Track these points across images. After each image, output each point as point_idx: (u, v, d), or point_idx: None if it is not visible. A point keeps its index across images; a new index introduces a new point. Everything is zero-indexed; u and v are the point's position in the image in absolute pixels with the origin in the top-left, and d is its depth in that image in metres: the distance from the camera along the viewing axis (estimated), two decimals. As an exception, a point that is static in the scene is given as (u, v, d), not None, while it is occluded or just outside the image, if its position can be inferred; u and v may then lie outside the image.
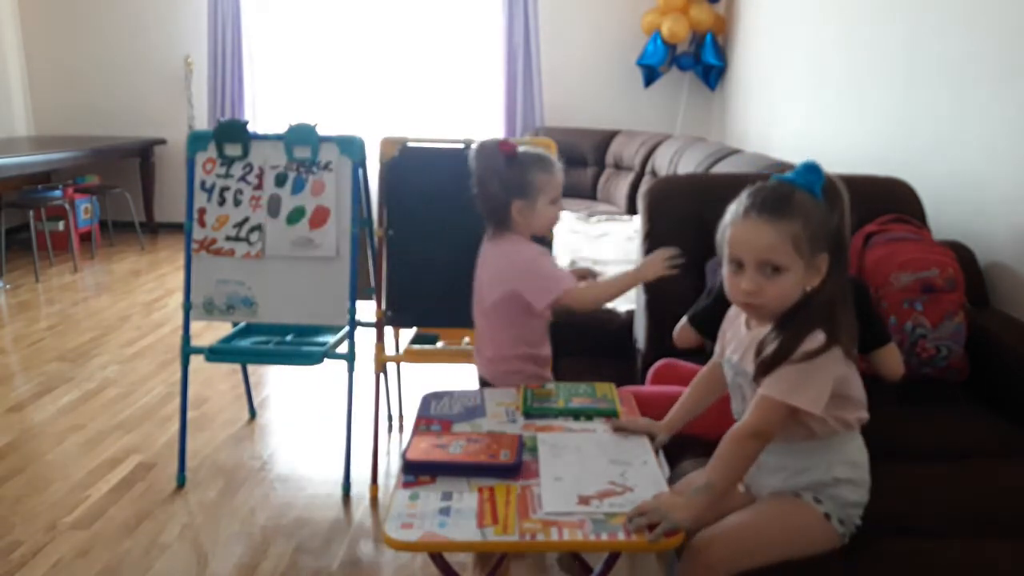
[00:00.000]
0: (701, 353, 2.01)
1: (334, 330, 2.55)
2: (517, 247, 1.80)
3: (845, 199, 1.28)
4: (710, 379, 1.52)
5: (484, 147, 1.80)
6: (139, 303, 4.36)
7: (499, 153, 1.77)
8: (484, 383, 1.91)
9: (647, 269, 1.74)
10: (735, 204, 1.31)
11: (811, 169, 1.28)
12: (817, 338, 1.23)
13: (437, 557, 1.40)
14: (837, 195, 1.28)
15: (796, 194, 1.25)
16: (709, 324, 1.82)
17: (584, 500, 1.25)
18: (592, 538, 1.17)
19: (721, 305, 1.74)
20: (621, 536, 1.17)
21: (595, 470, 1.35)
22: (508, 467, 1.33)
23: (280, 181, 2.38)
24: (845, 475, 1.32)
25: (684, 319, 1.86)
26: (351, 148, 2.37)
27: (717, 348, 1.49)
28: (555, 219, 1.85)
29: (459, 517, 1.21)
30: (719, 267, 2.00)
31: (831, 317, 1.25)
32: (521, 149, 1.81)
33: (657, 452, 1.48)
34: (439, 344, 2.46)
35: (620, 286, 1.77)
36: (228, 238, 2.39)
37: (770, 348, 1.26)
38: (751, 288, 1.26)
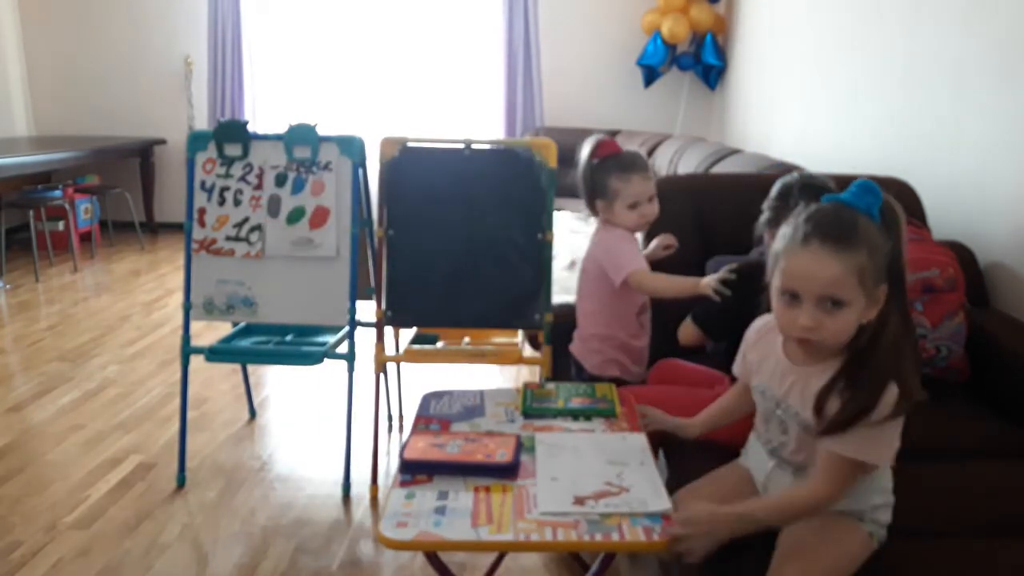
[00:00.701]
0: (702, 352, 2.02)
1: (334, 330, 2.55)
2: (607, 230, 1.99)
3: (902, 221, 1.19)
4: (744, 396, 1.47)
5: (588, 144, 1.94)
6: (139, 303, 4.36)
7: (592, 153, 1.92)
8: (577, 366, 2.05)
9: (703, 286, 1.78)
10: (789, 228, 1.20)
11: (868, 190, 1.17)
12: (891, 394, 1.15)
13: (433, 556, 1.40)
14: (895, 218, 1.18)
15: (860, 220, 1.14)
16: (713, 324, 1.82)
17: (580, 500, 1.25)
18: (587, 538, 1.17)
19: (726, 305, 1.74)
20: (615, 537, 1.17)
21: (592, 470, 1.35)
22: (505, 467, 1.33)
23: (280, 181, 2.38)
24: (880, 501, 1.32)
25: (688, 319, 1.87)
26: (351, 148, 2.37)
27: (738, 368, 1.45)
28: (638, 222, 1.94)
29: (454, 516, 1.21)
30: (719, 267, 2.00)
31: (900, 362, 1.16)
32: (624, 151, 1.94)
33: (656, 452, 1.49)
34: (439, 344, 2.46)
35: (676, 288, 1.86)
36: (228, 238, 2.39)
37: (837, 403, 1.18)
38: (810, 324, 1.16)
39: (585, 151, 1.95)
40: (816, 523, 1.29)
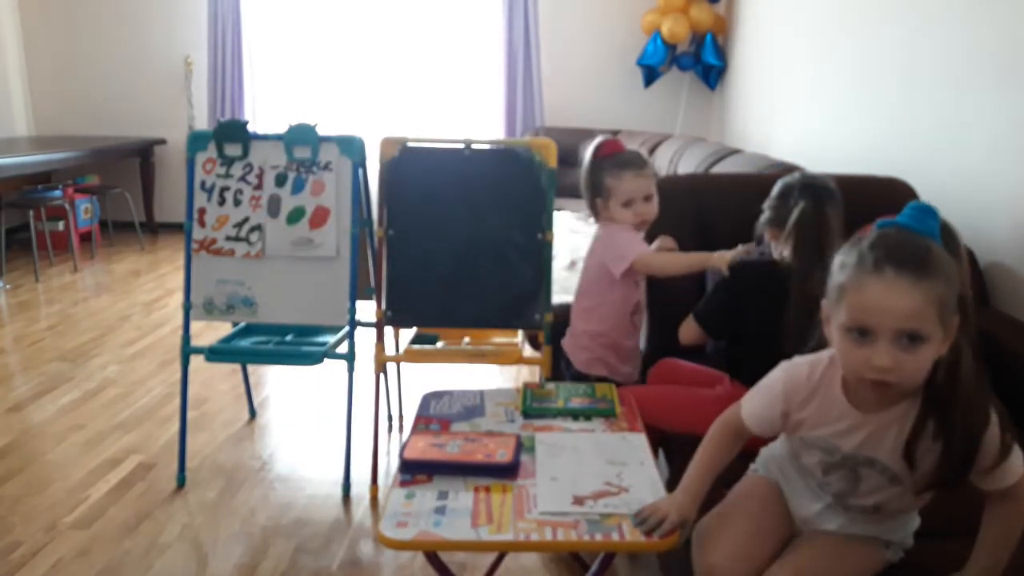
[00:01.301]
0: (702, 352, 2.02)
1: (334, 330, 2.55)
2: (606, 227, 2.00)
3: (961, 244, 1.10)
4: (728, 441, 1.31)
5: (593, 144, 1.96)
6: (139, 303, 4.36)
7: (593, 152, 1.94)
8: (567, 361, 2.06)
9: (716, 259, 1.76)
10: (851, 256, 1.07)
11: (927, 212, 1.07)
12: (993, 433, 1.09)
13: (433, 556, 1.40)
14: (954, 240, 1.09)
15: (933, 246, 1.05)
16: (715, 323, 1.80)
17: (579, 500, 1.25)
18: (586, 538, 1.17)
19: (728, 304, 1.73)
20: (615, 537, 1.17)
21: (591, 470, 1.35)
22: (505, 467, 1.33)
23: (280, 181, 2.38)
24: (913, 527, 1.31)
25: (690, 317, 1.85)
26: (351, 148, 2.37)
27: (763, 425, 1.27)
28: (634, 221, 1.93)
29: (454, 516, 1.22)
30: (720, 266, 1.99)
31: (982, 396, 1.09)
32: (627, 150, 1.94)
33: (656, 452, 1.48)
34: (439, 344, 2.46)
35: (687, 262, 1.85)
36: (228, 238, 2.39)
37: (937, 454, 1.09)
38: (888, 364, 1.02)
39: (588, 151, 1.97)
40: (835, 547, 1.26)
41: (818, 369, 1.20)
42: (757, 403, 1.27)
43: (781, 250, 1.71)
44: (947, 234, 1.08)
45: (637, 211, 1.92)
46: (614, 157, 1.93)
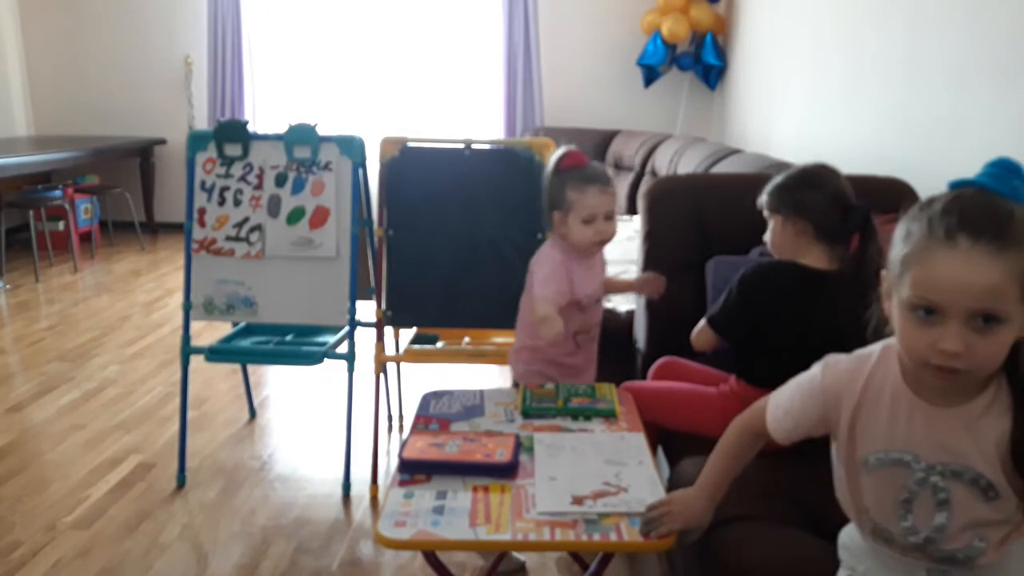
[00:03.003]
0: (704, 352, 2.00)
1: (334, 330, 2.55)
2: (550, 246, 1.88)
3: None
4: (748, 444, 1.20)
5: (557, 153, 1.86)
6: (139, 303, 4.36)
7: (557, 163, 1.83)
8: (515, 381, 1.98)
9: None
10: (918, 224, 0.91)
11: (1011, 170, 0.91)
12: None
13: (431, 556, 1.40)
14: None
15: (1017, 211, 0.88)
16: (731, 328, 1.74)
17: (578, 500, 1.25)
18: (584, 538, 1.18)
19: (745, 309, 1.70)
20: (613, 537, 1.17)
21: (590, 470, 1.35)
22: (503, 466, 1.33)
23: (280, 181, 2.38)
24: None
25: (703, 322, 1.76)
26: (351, 148, 2.37)
27: (796, 417, 1.10)
28: (592, 239, 1.81)
29: (452, 516, 1.22)
30: (721, 266, 1.98)
31: None
32: (590, 165, 1.84)
33: (655, 452, 1.48)
34: (439, 344, 2.46)
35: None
36: (228, 238, 2.39)
37: None
38: (958, 348, 0.87)
39: (552, 160, 1.86)
40: None
41: (868, 364, 1.03)
42: (788, 406, 1.11)
43: (781, 239, 1.69)
44: None
45: (598, 229, 1.80)
46: (578, 170, 1.82)
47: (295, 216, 2.38)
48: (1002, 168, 0.91)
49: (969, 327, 0.87)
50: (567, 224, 1.81)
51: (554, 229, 1.86)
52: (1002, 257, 0.85)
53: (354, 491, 2.41)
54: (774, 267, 1.71)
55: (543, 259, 1.85)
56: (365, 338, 2.47)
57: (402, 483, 1.31)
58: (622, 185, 4.99)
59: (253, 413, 2.94)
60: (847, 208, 1.64)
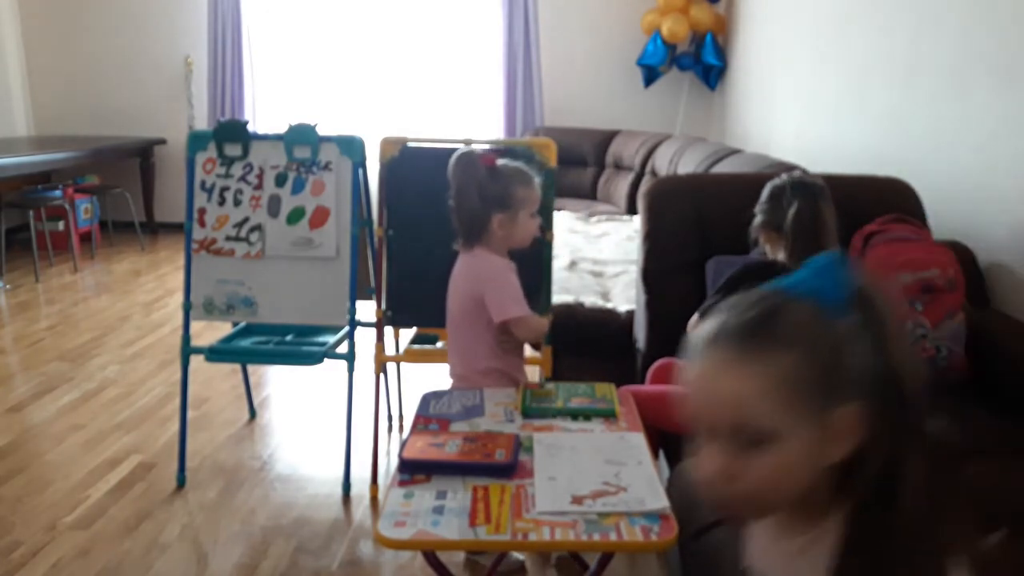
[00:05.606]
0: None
1: (334, 330, 2.55)
2: (490, 258, 1.79)
3: (890, 316, 0.77)
4: None
5: (463, 159, 1.77)
6: (139, 303, 4.36)
7: (480, 165, 1.76)
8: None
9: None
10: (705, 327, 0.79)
11: (825, 269, 0.76)
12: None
13: (431, 556, 1.40)
14: (878, 308, 0.76)
15: (791, 307, 0.75)
16: None
17: (578, 500, 1.25)
18: (584, 538, 1.17)
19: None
20: (613, 536, 1.17)
21: (590, 470, 1.35)
22: (503, 466, 1.33)
23: (280, 181, 2.38)
24: None
25: (696, 316, 1.80)
26: (351, 148, 2.37)
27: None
28: (535, 231, 1.83)
29: (452, 516, 1.22)
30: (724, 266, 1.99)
31: (941, 524, 0.75)
32: (500, 162, 1.79)
33: (656, 452, 1.48)
34: (439, 344, 2.46)
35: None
36: (228, 238, 2.39)
37: None
38: (715, 469, 0.76)
39: (464, 167, 1.76)
40: None
41: None
42: None
43: (776, 252, 1.72)
44: (865, 299, 0.76)
45: (538, 220, 1.82)
46: (510, 168, 1.77)
47: (295, 216, 2.38)
48: (819, 267, 0.77)
49: (733, 446, 0.74)
50: (515, 222, 1.77)
51: (490, 233, 1.77)
52: (755, 359, 0.73)
53: (354, 491, 2.41)
54: (764, 264, 1.73)
55: (501, 272, 1.76)
56: (365, 338, 2.47)
57: (402, 483, 1.31)
58: (622, 185, 5.00)
59: (253, 413, 2.94)
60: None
